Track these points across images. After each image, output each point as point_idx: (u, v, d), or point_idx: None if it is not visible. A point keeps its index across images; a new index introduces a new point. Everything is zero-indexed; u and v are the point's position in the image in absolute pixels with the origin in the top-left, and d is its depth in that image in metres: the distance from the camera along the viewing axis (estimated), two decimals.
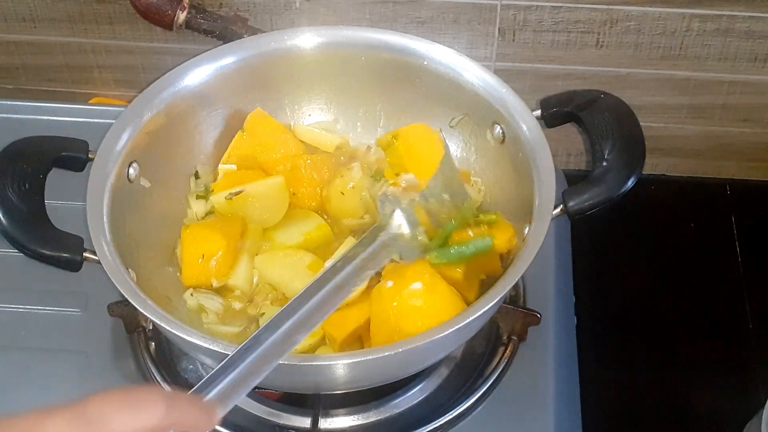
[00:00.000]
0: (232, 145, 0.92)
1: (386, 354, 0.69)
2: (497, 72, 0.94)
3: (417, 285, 0.77)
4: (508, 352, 0.88)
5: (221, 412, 0.56)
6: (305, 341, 0.78)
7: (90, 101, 1.19)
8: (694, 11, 1.02)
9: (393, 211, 0.79)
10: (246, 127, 0.92)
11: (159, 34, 1.12)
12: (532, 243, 0.75)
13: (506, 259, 0.83)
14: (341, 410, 0.84)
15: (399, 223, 0.78)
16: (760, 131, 1.15)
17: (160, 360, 0.89)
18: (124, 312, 0.87)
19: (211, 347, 0.70)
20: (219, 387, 0.57)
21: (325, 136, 0.95)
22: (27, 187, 0.78)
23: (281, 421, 0.85)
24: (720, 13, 1.02)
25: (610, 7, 1.03)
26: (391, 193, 0.81)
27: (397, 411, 0.85)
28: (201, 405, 0.55)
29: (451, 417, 0.84)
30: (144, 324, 0.90)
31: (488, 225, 0.83)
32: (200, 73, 0.90)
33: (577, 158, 1.21)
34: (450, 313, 0.75)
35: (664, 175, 1.21)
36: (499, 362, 0.87)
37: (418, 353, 0.74)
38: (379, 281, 0.79)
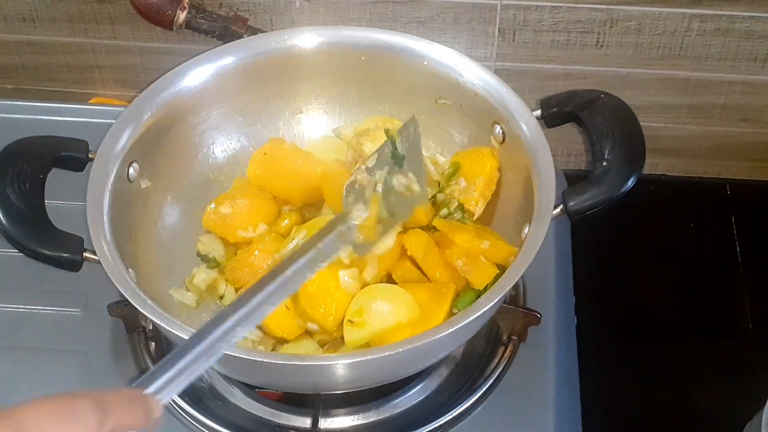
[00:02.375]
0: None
1: (386, 354, 0.69)
2: (497, 72, 0.94)
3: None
4: (508, 352, 0.88)
5: (161, 406, 0.54)
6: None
7: (90, 101, 1.19)
8: (694, 11, 1.03)
9: (356, 201, 0.76)
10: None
11: (159, 34, 1.12)
12: (532, 243, 0.75)
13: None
14: (341, 410, 0.84)
15: (360, 214, 0.76)
16: (759, 131, 1.15)
17: (160, 360, 0.88)
18: (124, 312, 0.87)
19: None
20: (160, 381, 0.56)
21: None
22: (27, 187, 0.78)
23: (281, 421, 0.85)
24: (720, 13, 1.03)
25: (610, 7, 1.03)
26: (359, 182, 0.78)
27: (397, 411, 0.85)
28: (139, 401, 0.53)
29: (451, 417, 0.84)
30: (144, 324, 0.90)
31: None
32: (200, 73, 0.90)
33: (577, 158, 1.21)
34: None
35: (664, 174, 1.21)
36: (499, 362, 0.87)
37: (418, 353, 0.74)
38: None
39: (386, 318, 0.79)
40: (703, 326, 1.04)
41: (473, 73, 0.88)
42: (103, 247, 0.76)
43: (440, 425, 0.84)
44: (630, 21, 1.04)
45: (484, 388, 0.85)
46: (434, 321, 0.78)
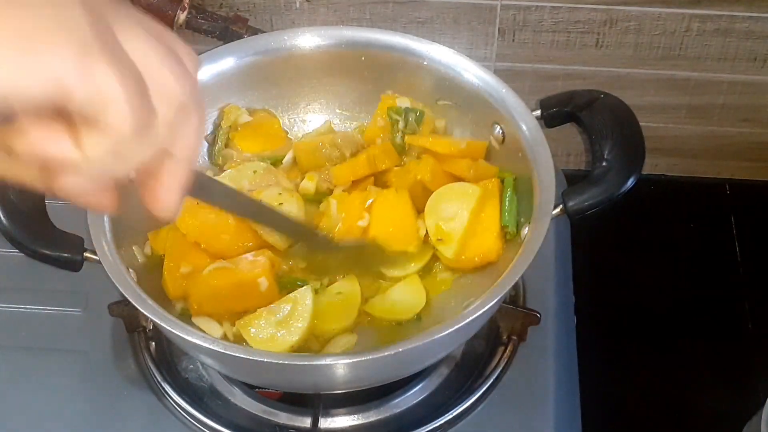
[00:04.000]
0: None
1: (386, 354, 0.69)
2: (497, 72, 0.94)
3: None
4: (507, 351, 0.88)
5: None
6: None
7: None
8: (693, 11, 1.03)
9: None
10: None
11: None
12: (532, 243, 0.75)
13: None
14: (341, 410, 0.85)
15: None
16: (759, 131, 1.15)
17: (160, 360, 0.89)
18: (124, 312, 0.88)
19: (211, 347, 0.70)
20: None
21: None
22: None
23: (281, 421, 0.85)
24: (719, 13, 1.03)
25: (610, 7, 1.03)
26: None
27: (398, 411, 0.85)
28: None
29: (451, 417, 0.84)
30: (144, 324, 0.90)
31: None
32: (201, 73, 0.89)
33: (576, 158, 1.21)
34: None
35: (663, 175, 1.21)
36: (498, 362, 0.88)
37: (418, 353, 0.75)
38: None
39: (460, 216, 0.83)
40: (702, 326, 1.05)
41: (473, 73, 0.88)
42: (103, 247, 0.76)
43: (440, 425, 0.84)
44: (629, 21, 1.04)
45: (484, 388, 0.86)
46: (494, 210, 0.83)
